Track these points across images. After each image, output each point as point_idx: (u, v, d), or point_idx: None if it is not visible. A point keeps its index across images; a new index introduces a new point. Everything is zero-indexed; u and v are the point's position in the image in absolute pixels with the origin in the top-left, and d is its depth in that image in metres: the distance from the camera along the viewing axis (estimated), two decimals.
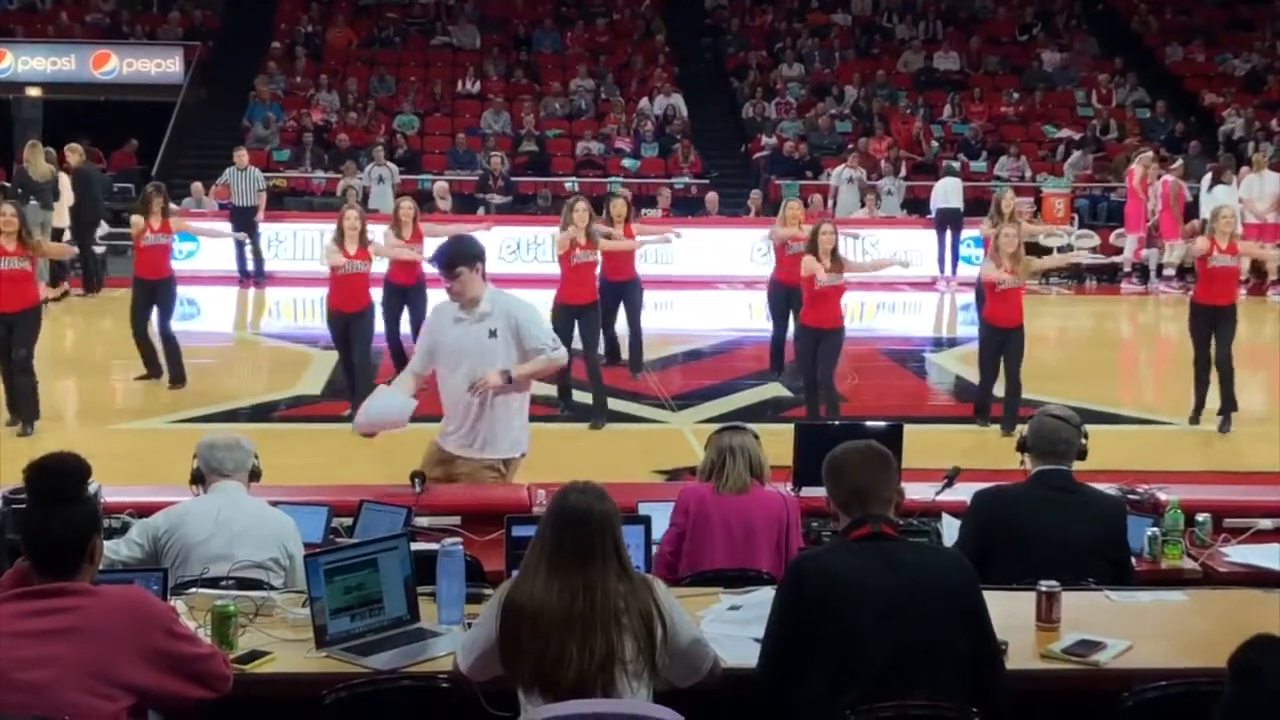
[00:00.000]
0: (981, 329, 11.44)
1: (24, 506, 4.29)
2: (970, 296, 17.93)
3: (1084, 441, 5.67)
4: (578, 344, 11.22)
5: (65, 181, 18.39)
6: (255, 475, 5.79)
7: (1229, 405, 11.18)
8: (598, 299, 11.96)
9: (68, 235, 18.19)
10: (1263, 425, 11.17)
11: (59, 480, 3.98)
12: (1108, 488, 6.10)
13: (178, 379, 12.35)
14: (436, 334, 7.24)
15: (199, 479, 5.73)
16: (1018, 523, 5.33)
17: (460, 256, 7.06)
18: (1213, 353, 11.11)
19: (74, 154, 19.02)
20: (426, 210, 14.92)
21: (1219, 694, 2.63)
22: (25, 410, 10.66)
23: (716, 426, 6.41)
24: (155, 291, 12.50)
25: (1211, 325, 11.17)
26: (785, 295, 12.63)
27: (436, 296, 8.58)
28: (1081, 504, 5.45)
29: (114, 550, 5.27)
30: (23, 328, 10.60)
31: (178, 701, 4.00)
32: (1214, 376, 11.15)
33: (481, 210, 21.78)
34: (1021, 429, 6.04)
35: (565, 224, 11.74)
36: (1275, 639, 2.25)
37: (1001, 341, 10.97)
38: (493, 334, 7.02)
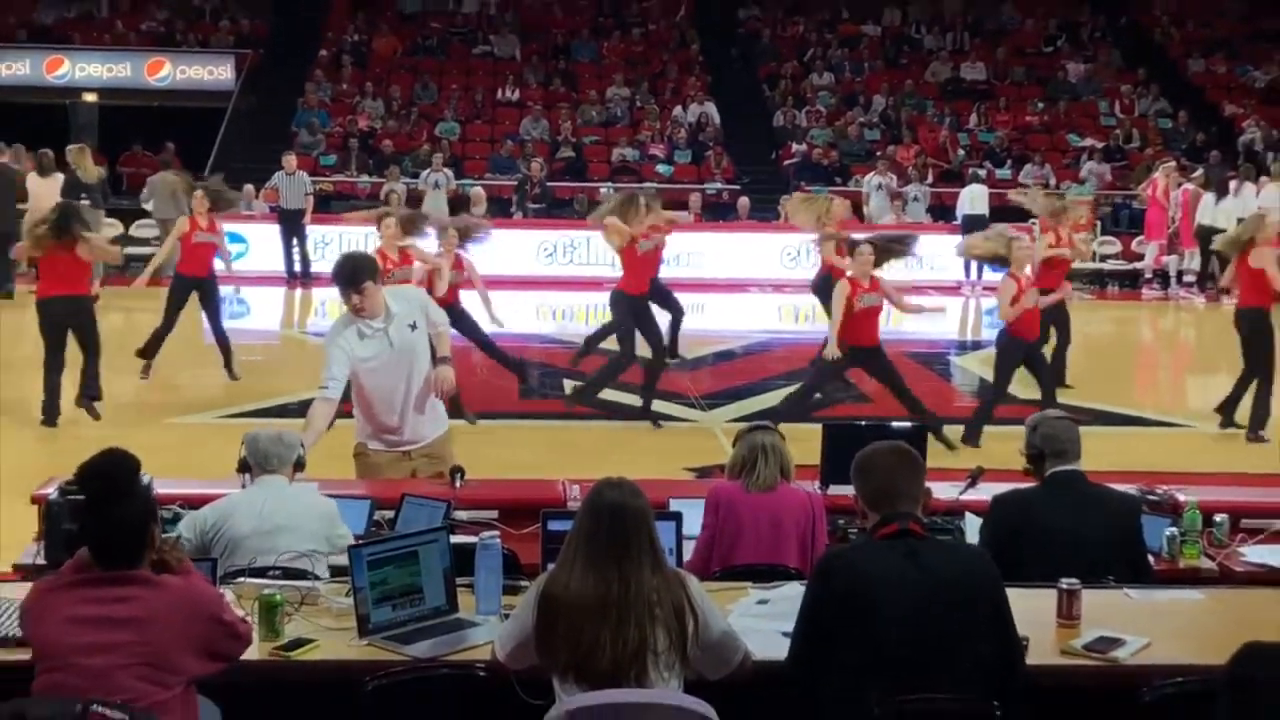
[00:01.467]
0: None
1: (79, 499, 4.33)
2: (994, 301, 17.94)
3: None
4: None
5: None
6: (300, 466, 5.83)
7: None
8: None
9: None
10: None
11: (111, 479, 4.03)
12: (1127, 488, 6.08)
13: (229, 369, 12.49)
14: (352, 359, 6.89)
15: (246, 468, 5.78)
16: (1036, 523, 5.31)
17: (364, 272, 6.87)
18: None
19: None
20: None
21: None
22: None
23: (745, 425, 6.41)
24: (198, 289, 12.62)
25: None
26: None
27: None
28: (1097, 503, 5.43)
29: None
30: None
31: (213, 677, 4.09)
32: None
33: (517, 214, 21.82)
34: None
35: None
36: (1266, 647, 2.24)
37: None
38: (413, 327, 6.96)
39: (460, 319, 11.47)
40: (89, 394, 11.15)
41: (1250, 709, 2.15)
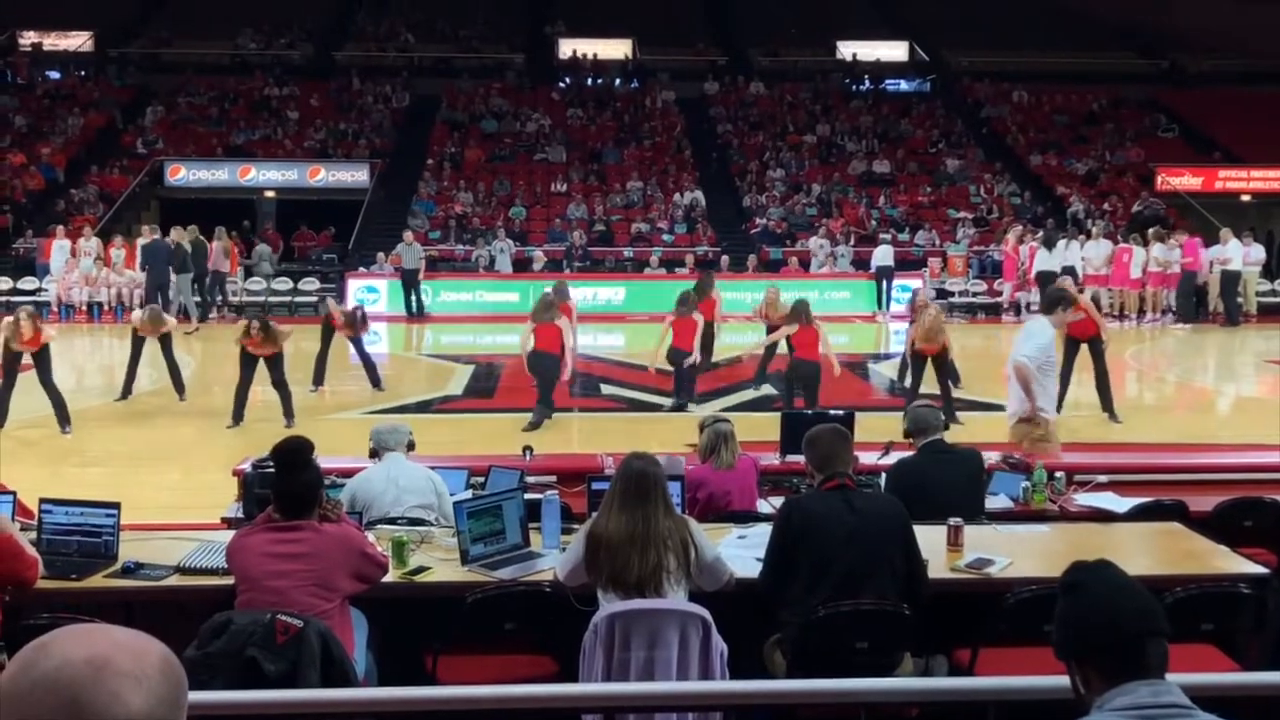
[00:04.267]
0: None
1: (270, 470, 4.34)
2: (901, 325, 17.90)
3: (943, 418, 5.68)
4: None
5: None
6: (411, 446, 5.81)
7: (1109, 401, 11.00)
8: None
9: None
10: (1098, 413, 11.08)
11: (295, 454, 4.04)
12: (993, 455, 6.06)
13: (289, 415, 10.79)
14: (1048, 349, 7.11)
15: (375, 453, 5.78)
16: (921, 479, 5.31)
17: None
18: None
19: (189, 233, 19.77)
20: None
21: None
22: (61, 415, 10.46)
23: (708, 416, 6.32)
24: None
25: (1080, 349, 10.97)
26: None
27: None
28: (955, 460, 5.48)
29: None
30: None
31: (362, 594, 4.10)
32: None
33: (567, 270, 21.87)
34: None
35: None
36: (1087, 563, 2.24)
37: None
38: None
39: None
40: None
41: (1076, 606, 2.14)
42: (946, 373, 11.07)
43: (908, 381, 11.49)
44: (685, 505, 5.41)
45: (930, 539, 4.57)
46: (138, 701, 1.18)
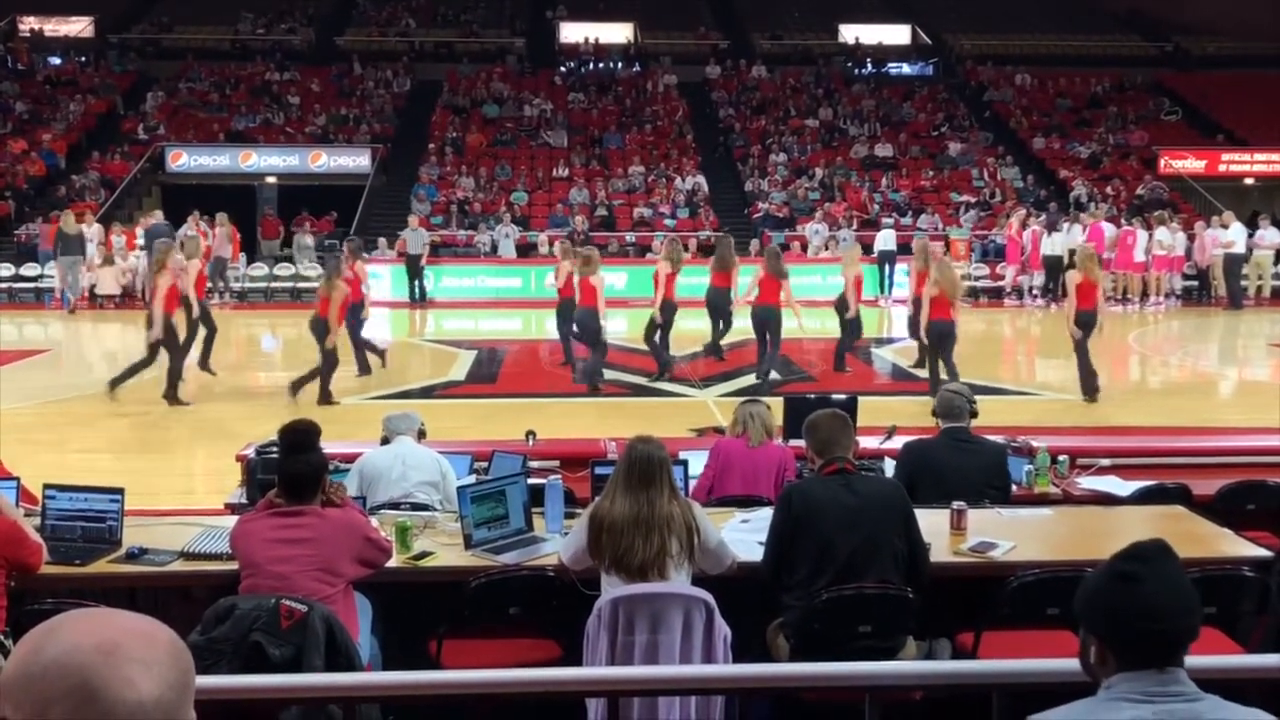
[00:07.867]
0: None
1: (274, 455, 4.34)
2: (903, 310, 17.86)
3: (973, 405, 5.63)
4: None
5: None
6: (422, 434, 5.84)
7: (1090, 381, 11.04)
8: None
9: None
10: (1104, 395, 11.05)
11: (302, 436, 4.04)
12: (996, 438, 6.05)
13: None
14: None
15: (386, 440, 5.79)
16: (934, 463, 5.31)
17: None
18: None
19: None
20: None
21: (1075, 578, 2.52)
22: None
23: (740, 399, 6.32)
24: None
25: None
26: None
27: None
28: (976, 449, 5.43)
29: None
30: None
31: (366, 579, 4.10)
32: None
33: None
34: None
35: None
36: (1149, 553, 2.09)
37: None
38: None
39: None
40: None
41: (1125, 596, 2.04)
42: (950, 347, 11.03)
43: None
44: (689, 486, 5.41)
45: (933, 523, 4.57)
46: (148, 686, 1.18)
